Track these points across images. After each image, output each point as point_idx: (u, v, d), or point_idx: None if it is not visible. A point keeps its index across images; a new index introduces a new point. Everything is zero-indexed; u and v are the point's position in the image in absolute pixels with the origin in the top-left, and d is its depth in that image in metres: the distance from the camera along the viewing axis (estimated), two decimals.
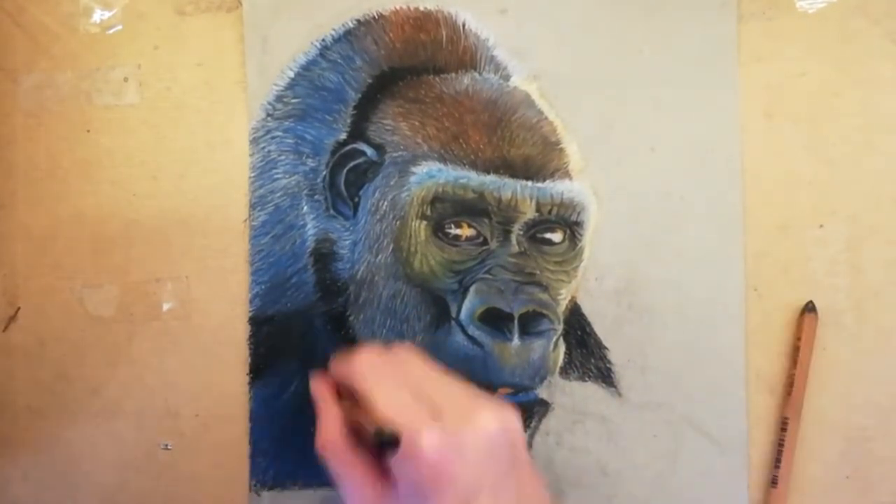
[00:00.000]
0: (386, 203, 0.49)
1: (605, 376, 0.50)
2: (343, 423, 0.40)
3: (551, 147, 0.50)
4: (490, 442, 0.36)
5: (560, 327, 0.49)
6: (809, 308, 0.49)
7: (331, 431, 0.40)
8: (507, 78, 0.50)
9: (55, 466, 0.51)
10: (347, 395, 0.42)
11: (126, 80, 0.52)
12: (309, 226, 0.51)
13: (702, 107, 0.50)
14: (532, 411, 0.50)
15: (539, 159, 0.49)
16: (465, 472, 0.35)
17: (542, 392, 0.50)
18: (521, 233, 0.49)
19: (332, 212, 0.50)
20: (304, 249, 0.51)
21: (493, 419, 0.37)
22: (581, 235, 0.50)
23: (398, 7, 0.51)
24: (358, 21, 0.51)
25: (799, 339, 0.48)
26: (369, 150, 0.50)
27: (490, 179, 0.49)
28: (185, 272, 0.51)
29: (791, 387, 0.48)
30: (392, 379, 0.39)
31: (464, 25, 0.51)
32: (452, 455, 0.35)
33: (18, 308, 0.52)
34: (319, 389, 0.43)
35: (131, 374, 0.51)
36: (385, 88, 0.50)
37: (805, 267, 0.50)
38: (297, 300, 0.51)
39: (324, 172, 0.51)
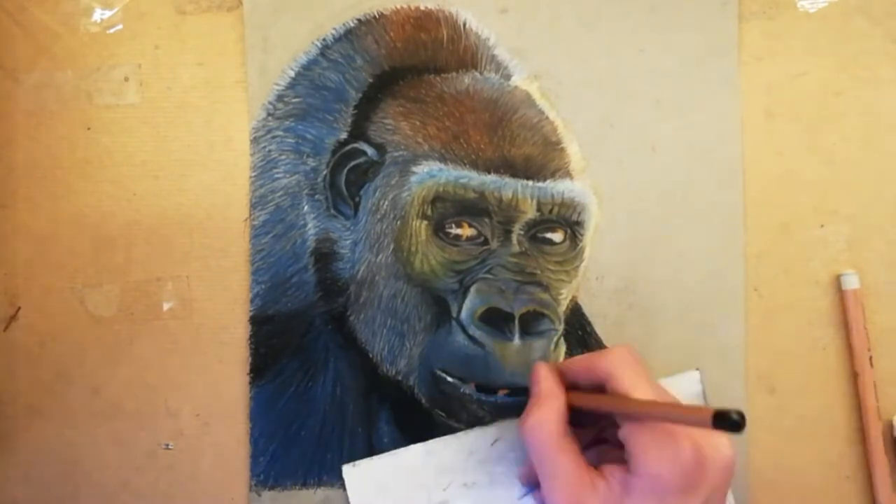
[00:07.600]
0: (387, 203, 0.49)
1: None
2: (566, 412, 0.42)
3: (552, 147, 0.50)
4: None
5: (561, 327, 0.49)
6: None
7: (553, 416, 0.41)
8: (507, 77, 0.50)
9: (55, 466, 0.51)
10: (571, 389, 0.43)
11: (126, 79, 0.52)
12: (309, 225, 0.51)
13: (702, 106, 0.50)
14: None
15: (540, 159, 0.49)
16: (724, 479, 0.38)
17: None
18: (522, 232, 0.49)
19: (332, 211, 0.50)
20: (304, 249, 0.51)
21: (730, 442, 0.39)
22: (582, 235, 0.50)
23: (399, 6, 0.51)
24: (359, 20, 0.51)
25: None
26: (370, 150, 0.50)
27: (491, 179, 0.48)
28: (186, 272, 0.51)
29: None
30: (647, 381, 0.40)
31: (465, 25, 0.51)
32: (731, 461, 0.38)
33: (19, 308, 0.52)
34: (547, 375, 0.44)
35: (131, 373, 0.51)
36: (386, 88, 0.50)
37: (805, 267, 0.50)
38: (297, 300, 0.51)
39: (324, 172, 0.50)
